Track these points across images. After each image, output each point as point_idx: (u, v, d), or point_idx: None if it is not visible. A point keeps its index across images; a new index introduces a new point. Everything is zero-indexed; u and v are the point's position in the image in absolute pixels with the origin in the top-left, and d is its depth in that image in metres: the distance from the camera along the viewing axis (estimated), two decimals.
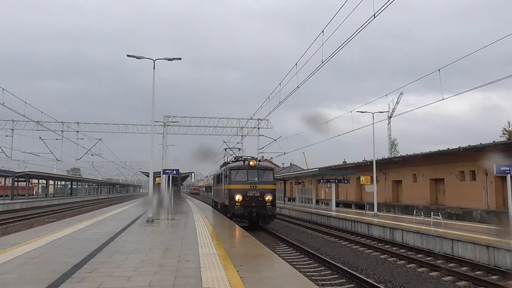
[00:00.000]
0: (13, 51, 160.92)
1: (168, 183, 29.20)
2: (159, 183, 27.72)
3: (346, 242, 17.39)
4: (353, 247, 16.20)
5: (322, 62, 15.64)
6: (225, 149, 32.81)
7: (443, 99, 19.06)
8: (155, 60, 17.84)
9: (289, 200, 49.63)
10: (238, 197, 19.39)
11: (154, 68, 17.81)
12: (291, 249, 15.45)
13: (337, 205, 34.45)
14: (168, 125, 37.78)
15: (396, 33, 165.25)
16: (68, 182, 72.01)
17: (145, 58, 17.75)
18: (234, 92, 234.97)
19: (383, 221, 20.03)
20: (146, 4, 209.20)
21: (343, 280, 10.32)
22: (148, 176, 28.83)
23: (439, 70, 17.16)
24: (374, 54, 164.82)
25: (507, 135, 49.49)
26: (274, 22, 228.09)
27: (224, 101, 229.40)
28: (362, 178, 26.83)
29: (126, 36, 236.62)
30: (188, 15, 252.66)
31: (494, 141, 23.70)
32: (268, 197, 19.59)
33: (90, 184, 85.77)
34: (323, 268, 11.80)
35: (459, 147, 25.33)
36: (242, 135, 42.36)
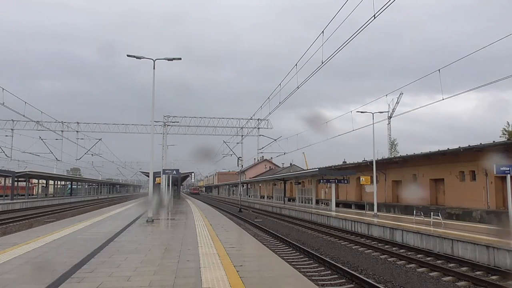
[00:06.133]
0: (4, 50, 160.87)
1: (168, 183, 29.19)
2: (159, 183, 27.72)
3: (346, 242, 17.38)
4: (353, 247, 16.20)
5: (322, 63, 15.63)
6: None
7: (443, 99, 18.87)
8: (155, 60, 17.83)
9: (289, 200, 49.62)
10: None
11: (154, 68, 17.82)
12: (291, 249, 15.45)
13: (337, 205, 34.44)
14: (168, 125, 37.77)
15: (388, 33, 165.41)
16: (68, 182, 71.99)
17: (145, 58, 17.73)
18: (228, 92, 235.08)
19: (383, 221, 20.03)
20: (135, 3, 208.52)
21: (343, 280, 10.32)
22: (148, 176, 28.84)
23: (439, 70, 17.07)
24: (367, 54, 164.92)
25: (507, 135, 49.48)
26: (268, 21, 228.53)
27: (219, 101, 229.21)
28: (362, 178, 26.82)
29: (118, 35, 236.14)
30: (180, 12, 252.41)
31: (494, 141, 23.67)
32: None
33: (90, 184, 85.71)
34: (323, 268, 11.79)
35: (459, 147, 25.28)
36: (242, 135, 42.35)
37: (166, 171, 25.50)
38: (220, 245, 10.10)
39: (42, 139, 44.90)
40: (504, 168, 16.32)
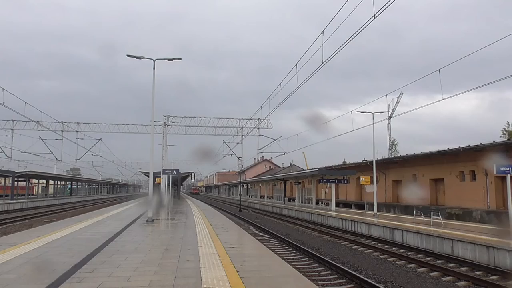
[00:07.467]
0: (3, 50, 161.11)
1: (168, 183, 29.19)
2: (159, 183, 27.72)
3: (346, 242, 17.38)
4: (353, 247, 16.20)
5: (322, 63, 15.65)
6: None
7: (443, 99, 18.96)
8: (155, 60, 17.82)
9: (289, 200, 49.61)
10: None
11: (154, 68, 17.82)
12: (291, 249, 15.45)
13: (337, 205, 34.43)
14: (168, 125, 37.78)
15: (388, 33, 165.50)
16: (68, 182, 71.97)
17: (145, 58, 17.72)
18: (228, 92, 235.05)
19: (383, 221, 20.03)
20: (134, 2, 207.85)
21: (343, 280, 10.32)
22: (148, 176, 28.84)
23: (439, 70, 17.08)
24: (367, 54, 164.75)
25: (507, 135, 49.47)
26: (268, 20, 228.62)
27: (219, 100, 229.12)
28: (362, 178, 26.82)
29: (117, 35, 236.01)
30: (180, 12, 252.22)
31: (494, 141, 23.67)
32: None
33: (90, 184, 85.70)
34: (323, 268, 11.79)
35: (459, 147, 25.28)
36: (242, 135, 42.39)
37: (166, 171, 25.49)
38: (220, 245, 10.11)
39: (42, 139, 45.04)
40: (504, 168, 16.31)
